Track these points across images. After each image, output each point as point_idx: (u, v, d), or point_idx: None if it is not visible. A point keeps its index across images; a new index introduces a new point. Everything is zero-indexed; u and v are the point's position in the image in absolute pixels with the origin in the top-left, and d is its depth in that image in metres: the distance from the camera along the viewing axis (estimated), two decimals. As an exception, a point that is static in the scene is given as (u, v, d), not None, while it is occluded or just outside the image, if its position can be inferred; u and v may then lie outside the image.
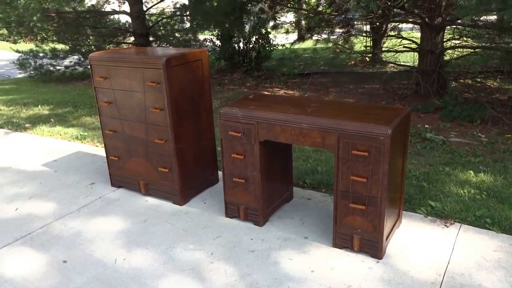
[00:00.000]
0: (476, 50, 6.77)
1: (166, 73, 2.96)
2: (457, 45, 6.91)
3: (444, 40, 6.70)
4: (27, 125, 5.76)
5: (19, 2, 9.40)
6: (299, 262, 2.58)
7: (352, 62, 9.86)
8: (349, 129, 2.39)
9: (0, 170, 4.22)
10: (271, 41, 9.68)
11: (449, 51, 6.96)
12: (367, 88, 7.74)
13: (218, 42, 9.85)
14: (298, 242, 2.78)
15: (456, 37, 6.98)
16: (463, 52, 7.03)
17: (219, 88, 8.03)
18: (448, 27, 6.86)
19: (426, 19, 6.34)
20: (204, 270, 2.55)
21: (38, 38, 10.28)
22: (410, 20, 7.33)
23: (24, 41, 15.79)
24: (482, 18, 6.42)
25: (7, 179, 3.98)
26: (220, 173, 3.71)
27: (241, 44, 9.51)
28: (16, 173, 4.12)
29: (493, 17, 6.35)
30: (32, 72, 9.90)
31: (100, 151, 4.58)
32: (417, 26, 7.94)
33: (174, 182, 3.28)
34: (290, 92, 7.69)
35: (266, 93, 7.49)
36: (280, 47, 10.08)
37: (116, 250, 2.79)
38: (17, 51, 10.07)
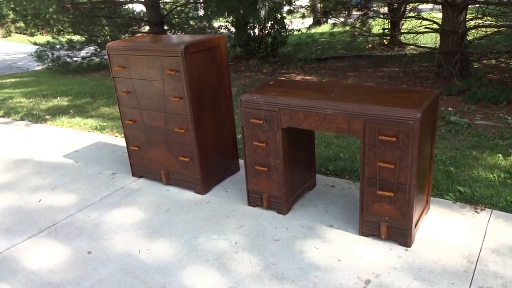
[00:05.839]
0: (500, 29, 6.53)
1: (185, 61, 2.91)
2: (480, 24, 6.68)
3: (467, 19, 6.48)
4: (47, 116, 5.80)
5: (35, -6, 9.44)
6: (325, 251, 2.52)
7: (370, 45, 9.65)
8: (376, 114, 2.30)
9: (23, 161, 4.25)
10: (287, 26, 9.52)
11: (472, 31, 6.74)
12: (386, 71, 7.57)
13: (233, 29, 9.74)
14: (323, 230, 2.72)
15: (479, 16, 6.74)
16: (486, 31, 6.80)
17: (235, 76, 7.96)
18: (471, 6, 6.63)
19: (448, -2, 6.13)
20: (228, 260, 2.52)
21: (55, 30, 10.33)
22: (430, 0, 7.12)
23: (40, 33, 15.94)
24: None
25: (29, 171, 4.01)
26: (241, 161, 3.66)
27: (256, 30, 9.37)
28: (38, 164, 4.15)
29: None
30: (49, 64, 9.97)
31: (120, 141, 4.58)
32: (437, 6, 7.72)
33: (195, 171, 3.25)
34: (308, 77, 7.57)
35: (284, 79, 7.38)
36: (296, 32, 9.93)
37: (139, 241, 2.78)
38: (35, 44, 10.15)
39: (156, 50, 3.04)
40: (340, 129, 2.45)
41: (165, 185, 3.50)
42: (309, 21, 9.63)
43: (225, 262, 2.51)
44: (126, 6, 11.20)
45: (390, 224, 2.50)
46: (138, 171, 3.66)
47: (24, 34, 20.27)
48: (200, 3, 9.94)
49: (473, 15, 6.81)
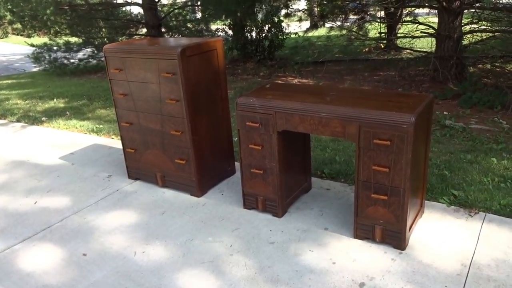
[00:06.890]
0: (496, 34, 6.58)
1: (182, 64, 2.92)
2: (476, 29, 6.73)
3: (462, 24, 6.52)
4: (43, 118, 5.79)
5: (32, -5, 9.42)
6: (320, 253, 2.53)
7: (367, 49, 9.69)
8: (370, 118, 2.32)
9: (18, 163, 4.25)
10: (284, 29, 9.55)
11: (468, 36, 6.78)
12: (382, 75, 7.61)
13: (230, 32, 9.76)
14: (318, 233, 2.73)
15: (474, 21, 6.79)
16: (482, 36, 6.84)
17: (232, 78, 7.98)
18: (466, 10, 6.68)
19: (444, 3, 6.17)
20: (223, 263, 2.52)
21: (52, 31, 10.31)
22: (427, 4, 7.16)
23: (38, 35, 15.88)
24: (502, 1, 6.24)
25: (25, 173, 4.00)
26: (236, 164, 3.67)
27: (253, 33, 9.40)
28: (33, 166, 4.14)
29: (513, -1, 6.16)
30: (46, 66, 9.95)
31: (116, 143, 4.58)
32: (433, 11, 7.75)
33: (191, 173, 3.26)
34: (304, 80, 7.60)
35: (280, 82, 7.40)
36: (293, 36, 9.95)
37: (135, 243, 2.78)
38: (32, 45, 10.13)
39: (152, 53, 3.05)
40: (335, 132, 2.47)
41: (161, 187, 3.50)
42: (306, 24, 9.64)
43: (220, 264, 2.51)
44: (124, 8, 11.20)
45: (385, 227, 2.51)
46: (134, 173, 3.66)
47: (21, 35, 20.20)
48: (198, 6, 9.96)
49: (469, 20, 6.85)
